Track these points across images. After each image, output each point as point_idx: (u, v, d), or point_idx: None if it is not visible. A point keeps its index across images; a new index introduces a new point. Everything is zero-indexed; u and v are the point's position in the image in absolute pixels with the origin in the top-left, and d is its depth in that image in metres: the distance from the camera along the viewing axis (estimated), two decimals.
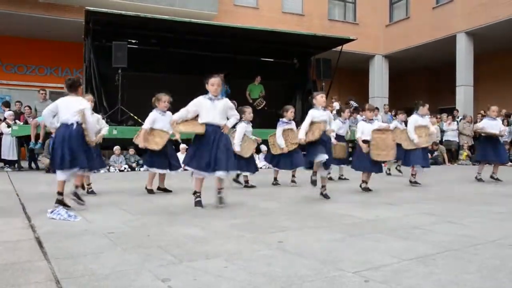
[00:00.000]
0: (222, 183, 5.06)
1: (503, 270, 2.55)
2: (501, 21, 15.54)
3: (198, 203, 4.99)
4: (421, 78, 22.13)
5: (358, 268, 2.59)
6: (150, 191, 6.34)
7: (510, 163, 13.27)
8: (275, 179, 7.99)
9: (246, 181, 7.39)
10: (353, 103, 14.13)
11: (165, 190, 6.55)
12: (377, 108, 10.96)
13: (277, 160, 7.66)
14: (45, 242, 3.22)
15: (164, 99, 6.19)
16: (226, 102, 5.13)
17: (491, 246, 3.16)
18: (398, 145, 9.51)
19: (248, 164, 7.10)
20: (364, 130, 6.72)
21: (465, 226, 3.91)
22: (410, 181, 7.70)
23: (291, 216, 4.46)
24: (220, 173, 4.85)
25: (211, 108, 4.95)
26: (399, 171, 9.96)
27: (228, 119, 5.16)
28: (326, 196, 5.73)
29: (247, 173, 7.26)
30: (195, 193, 5.09)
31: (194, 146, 5.02)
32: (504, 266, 2.62)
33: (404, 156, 7.88)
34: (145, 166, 7.00)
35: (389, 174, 9.92)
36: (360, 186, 6.74)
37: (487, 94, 17.63)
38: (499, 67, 18.60)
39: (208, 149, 4.85)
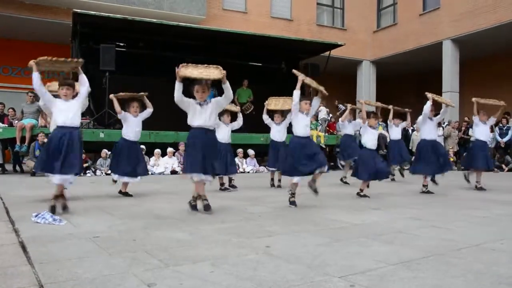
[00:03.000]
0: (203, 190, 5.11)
1: (486, 274, 2.58)
2: (486, 28, 15.80)
3: (207, 207, 4.96)
4: (408, 84, 22.35)
5: (344, 272, 2.60)
6: (126, 194, 6.35)
7: (495, 169, 13.46)
8: (279, 180, 8.12)
9: (222, 184, 7.43)
10: (341, 107, 14.23)
11: (126, 194, 6.42)
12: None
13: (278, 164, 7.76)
14: (29, 247, 3.17)
15: (133, 104, 6.39)
16: (213, 102, 5.09)
17: (475, 250, 3.20)
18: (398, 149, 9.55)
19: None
20: (367, 136, 6.68)
21: (450, 231, 3.96)
22: (423, 192, 7.23)
23: (278, 221, 4.46)
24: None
25: (202, 112, 4.97)
26: (399, 173, 9.82)
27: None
28: (315, 191, 5.57)
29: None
30: (200, 197, 5.05)
31: (190, 153, 5.00)
32: (488, 270, 2.66)
33: (414, 165, 7.47)
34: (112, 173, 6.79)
35: (393, 179, 9.66)
36: (358, 194, 6.54)
37: None
38: (485, 74, 18.87)
39: (202, 153, 4.87)
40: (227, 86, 5.03)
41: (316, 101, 5.72)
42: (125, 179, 6.32)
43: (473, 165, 8.12)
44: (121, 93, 6.48)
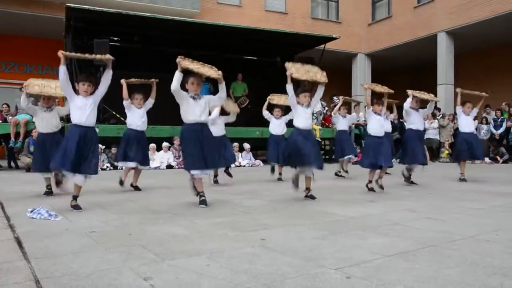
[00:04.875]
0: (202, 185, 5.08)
1: (480, 264, 2.60)
2: (481, 20, 15.82)
3: (203, 202, 4.93)
4: (403, 77, 22.36)
5: (340, 265, 2.61)
6: (121, 183, 6.50)
7: (489, 161, 13.53)
8: (280, 174, 8.12)
9: (216, 175, 7.45)
10: (336, 100, 14.23)
11: (136, 188, 6.56)
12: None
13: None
14: (25, 242, 3.17)
15: (137, 96, 6.48)
16: (207, 98, 5.07)
17: (470, 242, 3.22)
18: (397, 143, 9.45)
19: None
20: (372, 123, 6.55)
21: (445, 222, 3.98)
22: (407, 182, 7.30)
23: (274, 214, 4.47)
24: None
25: (196, 105, 4.91)
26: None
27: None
28: (311, 197, 5.50)
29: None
30: (198, 193, 5.02)
31: (188, 151, 4.91)
32: (482, 261, 2.68)
33: (403, 155, 7.41)
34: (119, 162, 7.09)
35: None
36: (367, 186, 6.47)
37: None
38: (479, 66, 18.93)
39: (200, 149, 4.83)
40: (222, 87, 5.01)
41: (320, 89, 5.58)
42: (130, 164, 6.41)
43: (459, 157, 8.20)
44: (132, 79, 6.42)
